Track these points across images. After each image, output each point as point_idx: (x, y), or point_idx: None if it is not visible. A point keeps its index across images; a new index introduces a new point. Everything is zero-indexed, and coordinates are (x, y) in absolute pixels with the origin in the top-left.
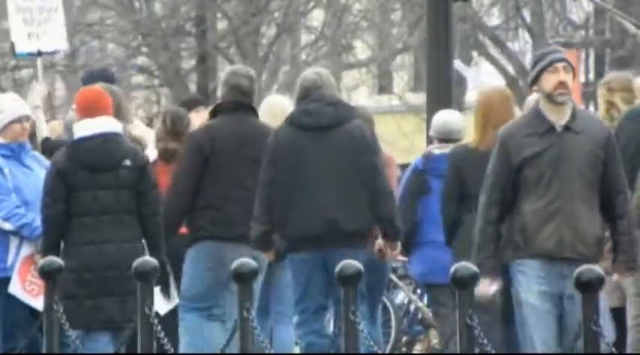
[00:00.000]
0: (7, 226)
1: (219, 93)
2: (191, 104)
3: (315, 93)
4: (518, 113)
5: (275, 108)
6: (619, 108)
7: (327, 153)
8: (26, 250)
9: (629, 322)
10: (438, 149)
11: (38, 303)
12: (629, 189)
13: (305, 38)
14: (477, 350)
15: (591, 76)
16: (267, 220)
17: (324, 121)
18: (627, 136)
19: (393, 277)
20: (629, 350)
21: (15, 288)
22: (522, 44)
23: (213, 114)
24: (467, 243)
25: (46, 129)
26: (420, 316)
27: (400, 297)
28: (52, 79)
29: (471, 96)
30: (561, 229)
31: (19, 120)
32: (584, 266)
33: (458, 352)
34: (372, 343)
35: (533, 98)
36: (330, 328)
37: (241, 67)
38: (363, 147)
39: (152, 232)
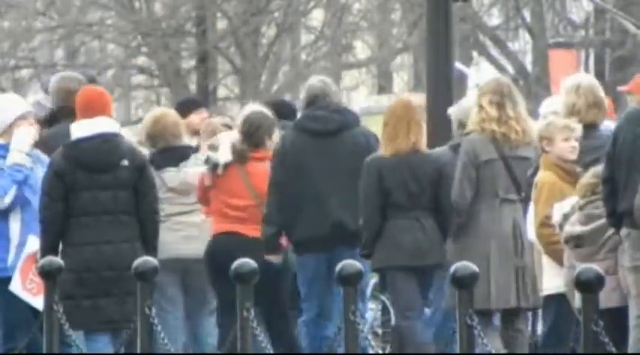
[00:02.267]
0: None
1: (52, 99)
2: (191, 105)
3: (322, 100)
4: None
5: None
6: (487, 111)
7: (331, 157)
8: (30, 248)
9: (631, 322)
10: None
11: (37, 302)
12: (623, 191)
13: (305, 38)
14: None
15: (591, 76)
16: (278, 222)
17: (331, 127)
18: (624, 138)
19: None
20: (630, 350)
21: (15, 286)
22: (522, 44)
23: (52, 119)
24: (391, 248)
25: None
26: None
27: None
28: None
29: (472, 96)
30: None
31: (18, 120)
32: (584, 266)
33: (458, 352)
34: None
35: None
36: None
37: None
38: (365, 151)
39: (149, 232)
